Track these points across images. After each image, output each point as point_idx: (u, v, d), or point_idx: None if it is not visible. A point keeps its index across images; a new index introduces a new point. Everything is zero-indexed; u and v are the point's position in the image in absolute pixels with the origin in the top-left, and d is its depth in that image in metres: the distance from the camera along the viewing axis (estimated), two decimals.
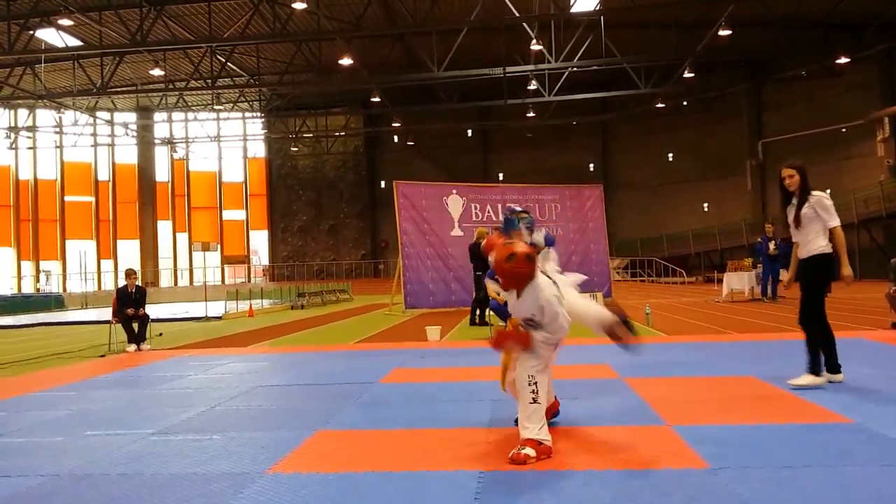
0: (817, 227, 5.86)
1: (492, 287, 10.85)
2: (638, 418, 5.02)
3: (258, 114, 46.14)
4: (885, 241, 30.62)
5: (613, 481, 3.59)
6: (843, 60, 31.32)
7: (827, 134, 34.27)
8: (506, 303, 10.86)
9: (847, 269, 5.81)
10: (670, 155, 42.98)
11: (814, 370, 5.87)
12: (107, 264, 46.05)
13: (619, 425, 4.82)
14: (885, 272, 10.91)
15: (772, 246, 17.15)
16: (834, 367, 5.97)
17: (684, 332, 11.04)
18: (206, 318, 18.73)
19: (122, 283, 11.61)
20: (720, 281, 21.48)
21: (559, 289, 4.15)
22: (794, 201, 6.01)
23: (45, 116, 43.67)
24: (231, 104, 43.12)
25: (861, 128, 33.05)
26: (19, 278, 43.56)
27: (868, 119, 32.53)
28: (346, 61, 27.76)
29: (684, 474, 3.66)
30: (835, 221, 5.84)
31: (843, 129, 33.95)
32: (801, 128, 34.88)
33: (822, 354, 5.93)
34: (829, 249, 5.83)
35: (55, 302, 32.08)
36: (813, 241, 5.88)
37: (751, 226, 35.50)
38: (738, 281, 18.94)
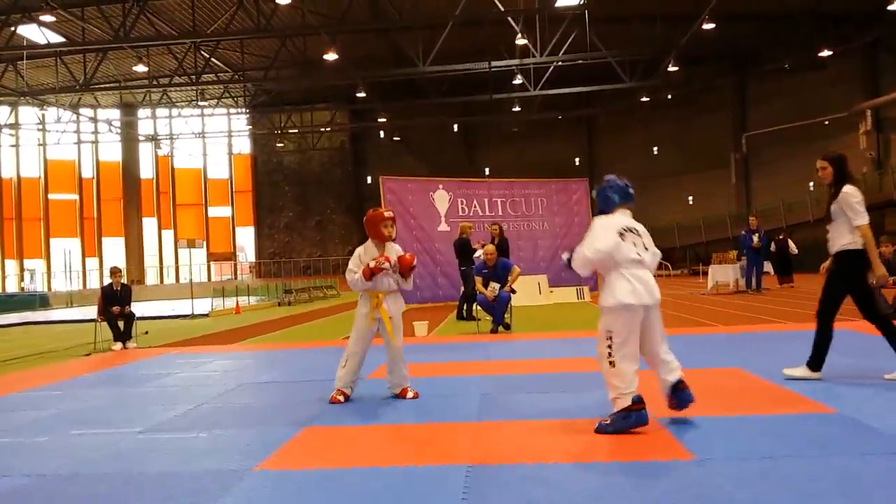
0: (844, 222, 5.58)
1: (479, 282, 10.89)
2: None
3: (243, 110, 45.90)
4: None
5: (600, 473, 3.62)
6: (826, 53, 31.51)
7: (810, 127, 34.49)
8: (495, 297, 10.87)
9: (881, 269, 5.56)
10: (655, 148, 43.11)
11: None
12: (92, 262, 45.75)
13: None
14: (868, 264, 10.98)
15: (756, 238, 17.26)
16: (817, 366, 5.86)
17: (670, 325, 11.00)
18: (193, 316, 18.65)
19: (107, 281, 11.54)
20: (705, 273, 21.61)
21: None
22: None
23: (28, 114, 43.28)
24: (215, 100, 42.88)
25: (844, 120, 33.30)
26: (3, 277, 43.21)
27: (851, 112, 32.78)
28: (330, 56, 27.65)
29: (670, 466, 3.69)
30: (860, 219, 5.48)
31: (827, 122, 34.17)
32: (784, 121, 35.09)
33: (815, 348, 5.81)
34: (855, 246, 5.54)
35: (40, 301, 31.88)
36: (838, 237, 5.63)
37: (735, 218, 35.72)
38: (723, 273, 19.07)
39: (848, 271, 5.63)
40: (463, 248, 13.49)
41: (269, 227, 49.71)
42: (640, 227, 4.70)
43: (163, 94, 39.39)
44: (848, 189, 5.56)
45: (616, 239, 4.50)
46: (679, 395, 4.57)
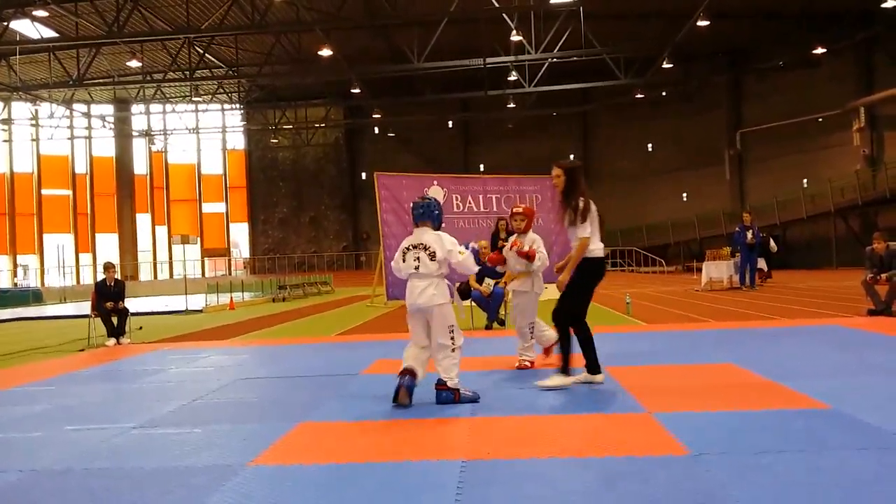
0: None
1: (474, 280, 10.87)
2: (619, 406, 5.06)
3: (237, 105, 45.79)
4: (861, 230, 30.99)
5: (595, 468, 3.62)
6: (820, 51, 31.59)
7: (804, 124, 34.59)
8: (489, 293, 10.83)
9: (565, 276, 5.66)
10: (650, 145, 43.18)
11: (564, 370, 5.74)
12: (85, 258, 45.61)
13: (601, 413, 4.86)
14: (861, 260, 11.05)
15: (749, 235, 17.31)
16: (594, 368, 5.77)
17: (664, 321, 11.12)
18: (187, 312, 18.62)
19: (100, 276, 11.50)
20: (699, 270, 21.65)
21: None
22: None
23: (21, 109, 43.04)
24: (210, 96, 42.75)
25: (838, 117, 33.39)
26: None
27: (845, 108, 32.86)
28: (325, 52, 27.60)
29: (665, 461, 3.70)
30: (582, 231, 5.58)
31: (820, 119, 34.27)
32: (779, 118, 35.18)
33: (584, 356, 5.77)
34: (599, 253, 5.69)
35: (33, 296, 31.75)
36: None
37: (729, 215, 35.80)
38: (717, 270, 19.11)
39: (590, 277, 5.74)
40: None
41: (263, 223, 49.66)
42: (429, 240, 5.41)
43: (157, 90, 39.27)
44: (583, 201, 5.63)
45: (399, 257, 5.52)
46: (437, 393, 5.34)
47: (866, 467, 3.48)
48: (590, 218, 5.62)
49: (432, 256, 5.31)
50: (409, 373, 5.30)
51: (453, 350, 5.29)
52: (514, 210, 6.96)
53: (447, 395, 5.25)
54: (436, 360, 5.34)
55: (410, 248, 5.42)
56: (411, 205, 5.63)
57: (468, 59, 30.36)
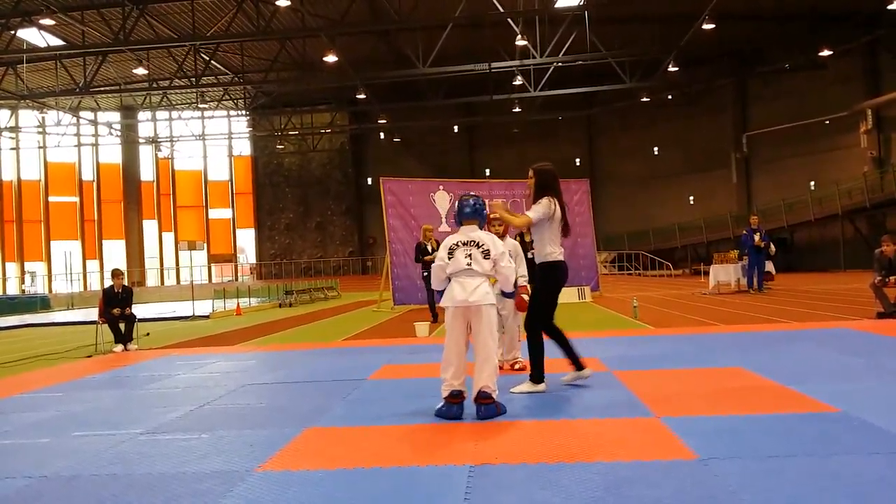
0: (545, 233, 5.78)
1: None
2: (627, 411, 5.03)
3: (243, 112, 45.93)
4: (869, 232, 30.86)
5: (603, 473, 3.60)
6: (826, 53, 31.52)
7: (811, 126, 34.50)
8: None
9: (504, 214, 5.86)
10: (656, 149, 43.12)
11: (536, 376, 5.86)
12: (92, 264, 45.77)
13: (609, 418, 4.83)
14: (870, 263, 11.00)
15: (757, 237, 17.26)
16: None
17: (672, 325, 11.09)
18: (194, 318, 18.64)
19: (108, 283, 11.52)
20: (707, 273, 21.60)
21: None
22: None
23: (28, 117, 43.30)
24: (215, 102, 42.89)
25: (845, 119, 33.30)
26: (4, 280, 43.20)
27: (852, 111, 32.77)
28: (330, 58, 27.66)
29: (674, 465, 3.68)
30: (532, 214, 5.70)
31: (827, 122, 34.18)
32: (785, 120, 35.11)
33: (567, 355, 5.96)
34: (556, 257, 5.76)
35: (41, 303, 31.81)
36: (541, 248, 5.83)
37: (736, 218, 35.73)
38: (725, 273, 19.05)
39: (550, 280, 5.83)
40: (424, 252, 13.15)
41: (269, 228, 49.76)
42: (481, 237, 5.20)
43: (163, 97, 39.42)
44: (543, 200, 5.78)
45: (444, 255, 5.21)
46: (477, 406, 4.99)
47: (877, 471, 3.46)
48: (550, 215, 5.73)
49: (486, 255, 5.08)
50: (460, 399, 4.99)
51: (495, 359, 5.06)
52: (491, 216, 6.91)
53: (492, 409, 4.94)
54: (479, 367, 4.98)
55: (460, 244, 5.15)
56: (458, 200, 5.44)
57: (473, 63, 30.37)
